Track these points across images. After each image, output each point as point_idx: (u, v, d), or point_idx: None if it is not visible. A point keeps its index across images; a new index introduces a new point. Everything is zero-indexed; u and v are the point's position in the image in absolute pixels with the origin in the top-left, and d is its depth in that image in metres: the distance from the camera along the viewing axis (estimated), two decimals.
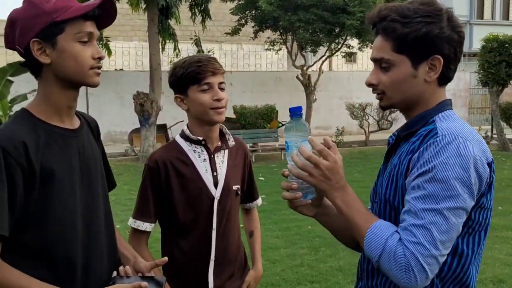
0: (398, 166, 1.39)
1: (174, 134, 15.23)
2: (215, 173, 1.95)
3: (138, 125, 12.44)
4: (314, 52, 13.93)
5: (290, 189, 1.45)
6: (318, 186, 1.39)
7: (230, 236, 2.00)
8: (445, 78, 1.41)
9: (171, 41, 13.06)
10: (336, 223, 1.56)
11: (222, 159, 1.99)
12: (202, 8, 12.90)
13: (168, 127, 14.78)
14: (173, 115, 15.51)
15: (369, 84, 1.47)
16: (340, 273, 4.77)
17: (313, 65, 13.92)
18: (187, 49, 14.62)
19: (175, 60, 13.92)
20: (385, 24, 1.39)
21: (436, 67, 1.37)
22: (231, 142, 2.01)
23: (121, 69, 16.04)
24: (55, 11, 1.47)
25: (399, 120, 15.48)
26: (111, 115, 14.64)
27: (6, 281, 1.42)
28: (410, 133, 1.42)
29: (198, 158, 1.95)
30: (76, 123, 1.62)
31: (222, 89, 1.91)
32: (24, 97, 12.11)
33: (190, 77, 1.87)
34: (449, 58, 1.38)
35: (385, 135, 15.82)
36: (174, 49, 13.30)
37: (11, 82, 11.43)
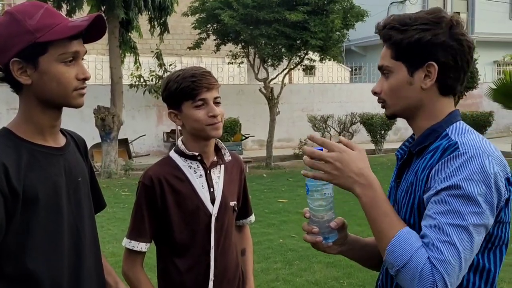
0: (415, 183, 1.35)
1: (136, 148, 15.08)
2: (211, 189, 1.89)
3: (98, 140, 12.14)
4: (276, 66, 14.01)
5: (310, 232, 1.44)
6: (335, 182, 1.33)
7: (229, 254, 1.93)
8: (445, 87, 1.39)
9: (131, 54, 12.86)
10: (364, 254, 1.54)
11: (218, 175, 1.93)
12: (161, 22, 12.77)
13: (129, 141, 14.52)
14: (134, 129, 15.30)
15: (374, 93, 1.47)
16: (317, 287, 4.75)
17: (275, 78, 14.00)
18: (148, 63, 14.46)
19: (136, 73, 13.78)
20: (384, 31, 1.42)
21: (432, 74, 1.36)
22: (227, 157, 1.95)
23: None
24: (38, 30, 1.37)
25: (360, 131, 15.78)
26: (70, 129, 14.20)
27: None
28: (423, 148, 1.39)
29: (194, 174, 1.88)
30: (61, 141, 1.55)
31: (217, 104, 1.86)
32: None
33: (184, 92, 1.81)
34: (446, 66, 1.36)
35: None
36: (135, 63, 13.11)
37: None
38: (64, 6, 12.17)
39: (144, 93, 13.97)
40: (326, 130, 15.61)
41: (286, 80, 14.69)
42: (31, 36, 1.37)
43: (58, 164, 1.49)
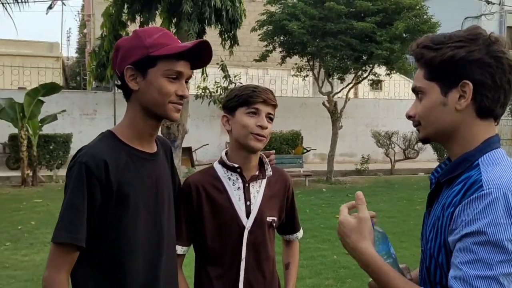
0: (442, 219, 1.27)
1: (199, 157, 15.41)
2: (248, 203, 1.92)
3: None
4: (341, 79, 13.92)
5: None
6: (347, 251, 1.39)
7: (262, 267, 1.94)
8: (483, 109, 1.28)
9: None
10: None
11: (257, 189, 1.96)
12: (231, 34, 13.02)
13: (193, 150, 14.88)
14: (198, 138, 15.68)
15: (408, 117, 1.40)
16: None
17: (339, 92, 13.90)
18: (214, 74, 14.79)
19: (202, 84, 14.14)
20: (417, 50, 1.35)
21: (467, 94, 1.27)
22: (269, 172, 1.98)
23: None
24: (152, 46, 1.60)
25: (425, 149, 15.30)
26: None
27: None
28: (452, 177, 1.30)
29: (233, 186, 1.92)
30: (154, 148, 1.74)
31: (269, 120, 1.92)
32: (54, 117, 12.39)
33: (242, 99, 1.90)
34: (483, 85, 1.26)
35: (411, 165, 15.65)
36: (202, 73, 13.43)
37: (42, 102, 11.71)
38: (138, 18, 12.72)
39: (209, 103, 14.28)
40: (390, 146, 15.26)
41: (352, 94, 14.54)
42: (146, 50, 1.60)
43: (150, 168, 1.68)
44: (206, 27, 12.52)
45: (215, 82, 14.24)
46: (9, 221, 8.02)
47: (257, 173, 1.97)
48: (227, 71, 13.98)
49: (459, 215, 1.19)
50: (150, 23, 12.70)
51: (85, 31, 31.09)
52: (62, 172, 12.14)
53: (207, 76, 13.44)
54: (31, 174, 11.90)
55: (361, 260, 1.34)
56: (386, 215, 8.60)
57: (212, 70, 14.92)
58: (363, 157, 15.12)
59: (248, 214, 1.91)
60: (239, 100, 1.90)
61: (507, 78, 1.28)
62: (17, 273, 5.44)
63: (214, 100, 14.16)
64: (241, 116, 1.90)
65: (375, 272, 1.31)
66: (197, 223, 1.90)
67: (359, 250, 1.34)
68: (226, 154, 1.97)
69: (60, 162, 13.12)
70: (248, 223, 1.90)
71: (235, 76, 14.16)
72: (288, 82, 17.99)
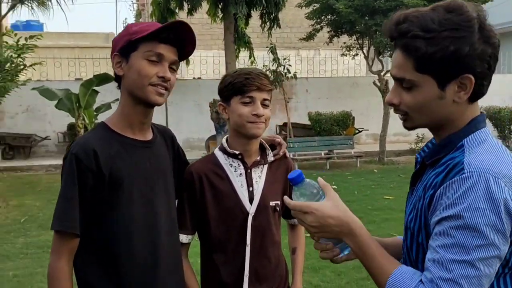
0: (422, 200, 1.25)
1: None
2: (250, 188, 1.92)
3: (214, 132, 12.72)
4: (391, 57, 13.52)
5: (325, 250, 1.38)
6: (326, 236, 1.33)
7: (267, 252, 1.95)
8: (477, 95, 1.24)
9: (246, 49, 13.23)
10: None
11: (259, 174, 1.96)
12: (272, 17, 12.95)
13: None
14: None
15: (390, 103, 1.32)
16: None
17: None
18: (262, 57, 14.77)
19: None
20: (406, 41, 1.21)
21: (467, 87, 1.20)
22: (270, 158, 1.98)
23: (199, 78, 16.47)
24: (135, 33, 1.67)
25: None
26: (189, 122, 15.09)
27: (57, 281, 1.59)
28: (437, 159, 1.27)
29: (234, 172, 1.93)
30: (149, 136, 1.78)
31: (265, 106, 1.90)
32: (108, 106, 12.81)
33: (236, 87, 1.89)
34: (482, 75, 1.20)
35: None
36: (250, 57, 13.47)
37: (97, 92, 12.15)
38: (185, 5, 12.90)
39: None
40: None
41: None
42: (129, 37, 1.67)
43: (143, 155, 1.73)
44: (251, 10, 12.53)
45: (264, 65, 14.23)
46: None
47: (258, 158, 1.97)
48: (276, 53, 13.93)
49: (440, 197, 1.17)
50: (197, 9, 12.87)
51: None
52: None
53: (255, 59, 13.47)
54: None
55: (349, 234, 1.29)
56: None
57: (261, 53, 14.91)
58: (417, 136, 14.69)
59: (251, 200, 1.91)
60: (233, 89, 1.89)
61: (496, 60, 1.24)
62: None
63: None
64: (236, 105, 1.88)
65: (362, 247, 1.28)
66: (201, 211, 1.92)
67: (346, 224, 1.28)
68: (226, 140, 1.99)
69: None
70: (251, 209, 1.91)
71: (284, 59, 14.09)
72: (339, 62, 17.68)
